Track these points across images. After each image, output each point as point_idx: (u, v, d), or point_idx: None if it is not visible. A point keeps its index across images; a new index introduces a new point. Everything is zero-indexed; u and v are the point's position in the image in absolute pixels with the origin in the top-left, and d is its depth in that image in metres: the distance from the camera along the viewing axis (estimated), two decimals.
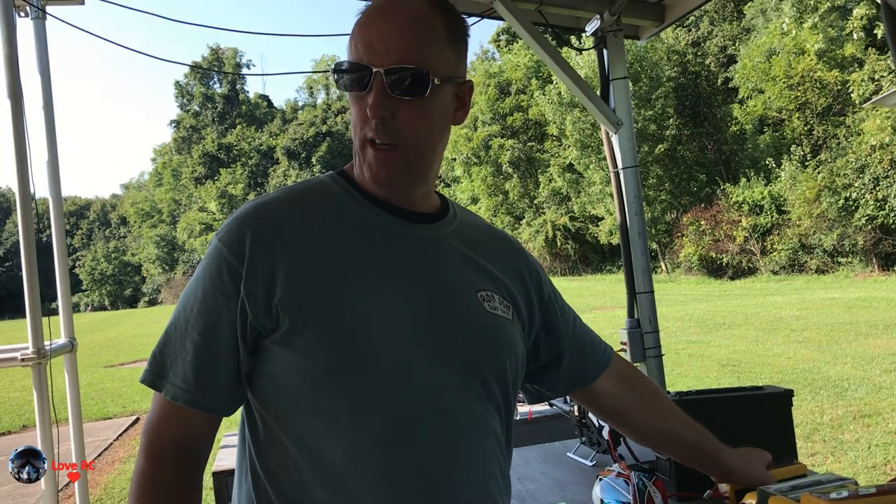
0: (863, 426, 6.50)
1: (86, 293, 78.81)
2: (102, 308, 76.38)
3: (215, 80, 78.21)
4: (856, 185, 21.67)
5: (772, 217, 25.84)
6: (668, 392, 1.99)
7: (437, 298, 1.15)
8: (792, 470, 1.55)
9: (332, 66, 1.15)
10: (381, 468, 1.05)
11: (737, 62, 29.94)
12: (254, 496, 1.12)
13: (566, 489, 2.13)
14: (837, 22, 24.37)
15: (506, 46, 45.03)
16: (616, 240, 25.47)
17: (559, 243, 37.46)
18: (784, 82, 25.90)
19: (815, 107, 25.77)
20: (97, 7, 4.34)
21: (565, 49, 5.41)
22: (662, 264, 31.49)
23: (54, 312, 3.96)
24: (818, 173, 23.28)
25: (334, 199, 1.19)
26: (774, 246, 25.58)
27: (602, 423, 2.28)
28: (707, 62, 32.82)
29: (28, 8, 3.83)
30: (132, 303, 76.22)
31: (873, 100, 5.72)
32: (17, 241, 3.63)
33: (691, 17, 33.22)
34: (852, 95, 22.73)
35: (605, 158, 4.44)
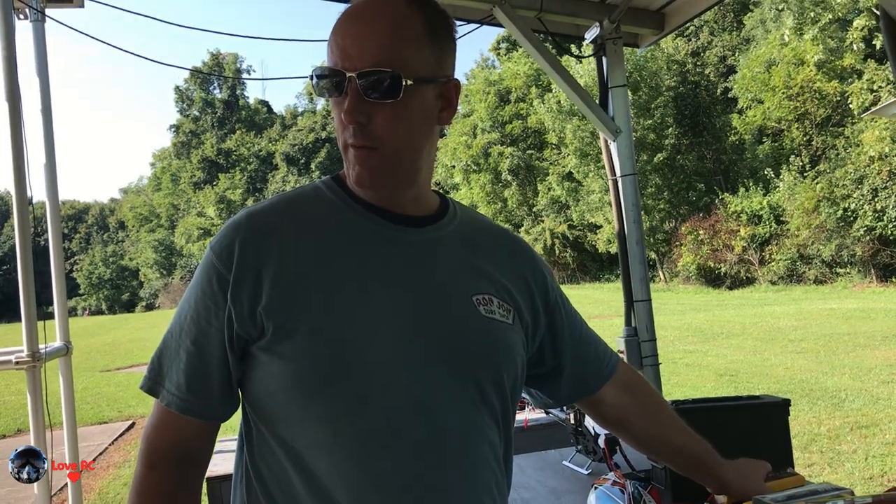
0: (860, 437, 6.49)
1: (83, 297, 78.81)
2: (100, 312, 76.34)
3: (215, 85, 78.43)
4: (854, 195, 21.70)
5: (770, 227, 25.88)
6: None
7: (427, 303, 1.12)
8: (789, 481, 1.54)
9: (311, 73, 1.14)
10: (365, 478, 1.04)
11: (736, 72, 29.99)
12: (247, 501, 1.13)
13: (561, 497, 2.12)
14: (837, 33, 24.44)
15: (506, 54, 45.13)
16: (614, 248, 25.47)
17: (558, 251, 37.46)
18: (783, 92, 25.96)
19: (814, 117, 25.84)
20: (97, 10, 4.35)
21: (565, 57, 5.42)
22: (661, 273, 31.50)
23: (50, 316, 3.95)
24: (817, 184, 23.31)
25: (326, 205, 1.18)
26: (773, 256, 25.60)
27: (598, 431, 2.27)
28: (707, 72, 32.90)
29: (27, 10, 3.83)
30: (129, 307, 76.19)
31: (872, 110, 5.73)
32: (14, 245, 3.62)
33: (691, 27, 33.32)
34: (851, 106, 22.78)
35: (604, 167, 4.44)
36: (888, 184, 20.85)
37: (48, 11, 3.91)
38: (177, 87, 79.09)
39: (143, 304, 73.85)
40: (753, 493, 1.44)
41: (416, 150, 1.15)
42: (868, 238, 21.83)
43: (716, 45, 33.84)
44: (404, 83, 1.07)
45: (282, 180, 63.10)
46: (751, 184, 27.60)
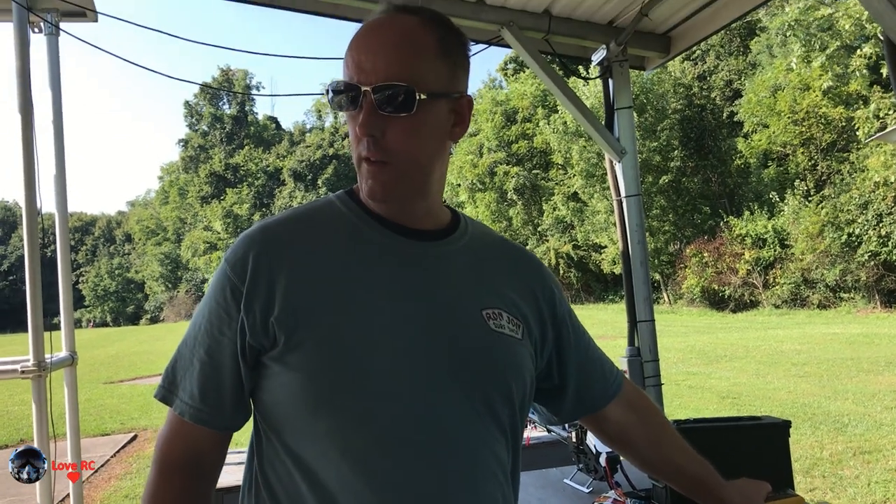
0: (863, 462, 6.46)
1: (88, 309, 78.86)
2: (104, 324, 76.32)
3: (224, 101, 78.77)
4: (859, 220, 21.70)
5: (774, 251, 25.86)
6: None
7: (437, 317, 1.13)
8: (790, 502, 1.55)
9: (326, 87, 1.16)
10: (371, 490, 1.04)
11: (742, 96, 30.08)
12: None
13: None
14: (844, 59, 24.51)
15: (513, 75, 45.33)
16: (619, 269, 25.46)
17: (562, 271, 37.42)
18: (789, 117, 26.03)
19: (819, 142, 25.88)
20: (111, 24, 4.40)
21: (571, 79, 5.46)
22: (665, 295, 31.43)
23: (56, 327, 3.97)
24: (821, 208, 23.32)
25: (339, 218, 1.20)
26: (777, 280, 25.56)
27: (599, 449, 2.28)
28: (712, 95, 33.00)
29: (42, 24, 3.88)
30: (134, 320, 76.19)
31: (877, 136, 5.75)
32: (22, 256, 3.65)
33: (697, 51, 33.46)
34: (858, 133, 22.82)
35: (609, 188, 4.46)
36: (893, 209, 20.87)
37: (62, 25, 3.95)
38: (186, 102, 79.61)
39: (148, 316, 73.86)
40: None
41: (429, 164, 1.17)
42: (872, 263, 21.81)
43: (722, 69, 33.97)
44: (418, 97, 1.09)
45: (289, 196, 63.22)
46: (755, 207, 27.60)
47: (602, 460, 2.26)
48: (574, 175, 33.51)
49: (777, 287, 25.48)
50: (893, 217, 20.78)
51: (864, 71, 22.77)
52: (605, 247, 32.83)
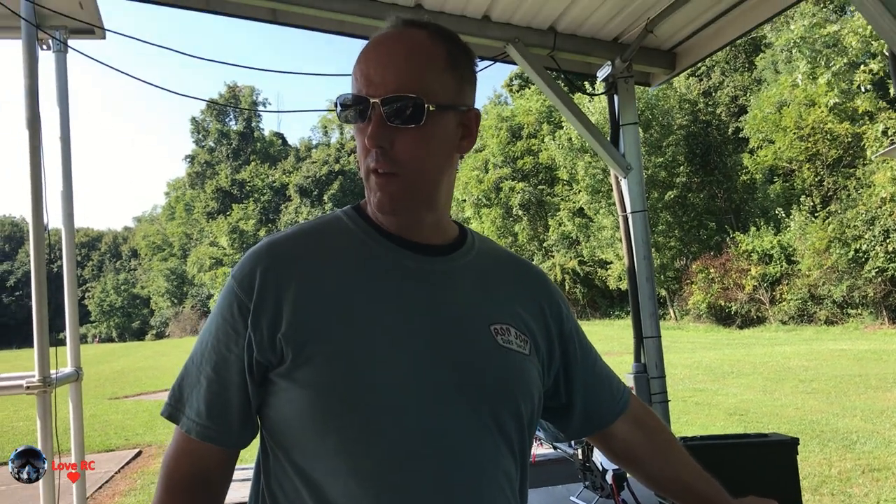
0: (872, 480, 6.41)
1: (94, 324, 79.04)
2: (110, 340, 76.49)
3: (231, 116, 79.17)
4: (866, 236, 21.66)
5: (781, 267, 25.80)
6: None
7: (445, 333, 1.13)
8: None
9: (335, 101, 1.16)
10: None
11: (747, 112, 30.12)
12: None
13: None
14: (849, 75, 24.55)
15: (518, 91, 45.48)
16: (625, 285, 25.39)
17: (568, 287, 37.36)
18: (794, 133, 26.03)
19: (825, 158, 25.87)
20: (119, 41, 4.43)
21: (577, 94, 5.47)
22: (671, 311, 31.35)
23: (62, 343, 3.97)
24: (828, 224, 23.28)
25: (346, 234, 1.20)
26: (783, 296, 25.49)
27: (606, 466, 2.27)
28: (718, 111, 33.05)
29: (51, 41, 3.91)
30: (140, 335, 76.30)
31: (882, 152, 5.75)
32: (29, 271, 3.65)
33: (703, 67, 33.54)
34: (867, 152, 22.82)
35: (615, 203, 4.46)
36: None
37: (71, 42, 3.98)
38: (193, 118, 79.97)
39: (154, 332, 73.94)
40: None
41: (437, 176, 1.17)
42: (880, 279, 21.75)
43: (727, 85, 34.02)
44: (427, 109, 1.09)
45: (294, 212, 63.39)
46: (762, 223, 27.58)
47: (608, 478, 2.24)
48: (580, 191, 33.56)
49: (784, 303, 25.41)
50: None
51: (869, 87, 22.80)
52: (611, 262, 32.78)
